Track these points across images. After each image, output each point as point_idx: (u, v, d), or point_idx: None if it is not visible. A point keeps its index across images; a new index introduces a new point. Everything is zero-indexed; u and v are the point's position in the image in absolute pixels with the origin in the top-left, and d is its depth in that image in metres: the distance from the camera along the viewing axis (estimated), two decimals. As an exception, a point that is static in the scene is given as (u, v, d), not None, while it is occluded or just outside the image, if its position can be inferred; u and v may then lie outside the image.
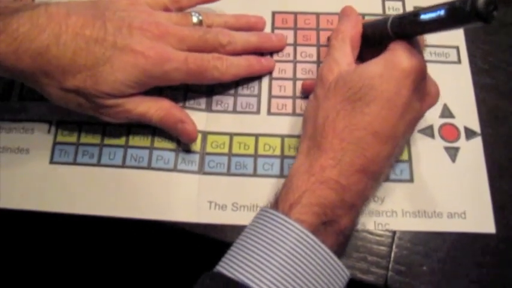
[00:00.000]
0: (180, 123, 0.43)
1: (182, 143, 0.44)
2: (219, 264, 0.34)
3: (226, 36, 0.45)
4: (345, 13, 0.45)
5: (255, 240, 0.34)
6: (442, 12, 0.34)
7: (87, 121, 0.45)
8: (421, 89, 0.38)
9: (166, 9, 0.45)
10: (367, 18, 0.48)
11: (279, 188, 0.38)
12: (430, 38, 0.48)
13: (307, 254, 0.33)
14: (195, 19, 0.45)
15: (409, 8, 0.51)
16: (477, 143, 0.44)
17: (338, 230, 0.36)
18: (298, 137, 0.45)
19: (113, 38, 0.39)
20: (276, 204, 0.36)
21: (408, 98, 0.37)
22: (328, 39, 0.47)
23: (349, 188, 0.36)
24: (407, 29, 0.38)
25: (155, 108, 0.43)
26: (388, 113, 0.36)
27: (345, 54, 0.41)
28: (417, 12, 0.36)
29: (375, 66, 0.37)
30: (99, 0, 0.43)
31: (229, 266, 0.33)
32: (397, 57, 0.37)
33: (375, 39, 0.42)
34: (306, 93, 0.46)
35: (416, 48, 0.38)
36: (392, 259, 0.41)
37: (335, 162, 0.36)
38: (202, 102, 0.46)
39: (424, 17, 0.35)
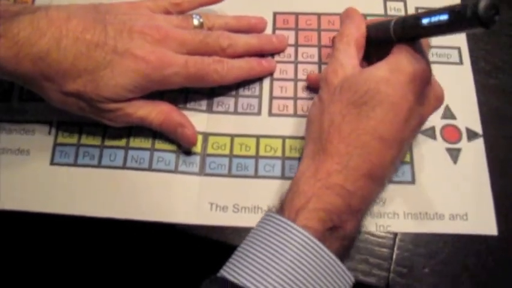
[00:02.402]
0: (180, 127, 0.43)
1: (183, 144, 0.44)
2: (223, 269, 0.34)
3: (227, 39, 0.44)
4: (348, 15, 0.44)
5: (259, 245, 0.34)
6: (442, 17, 0.33)
7: (88, 122, 0.44)
8: (426, 93, 0.38)
9: (167, 12, 0.45)
10: (368, 18, 0.47)
11: (284, 192, 0.38)
12: (432, 39, 0.48)
13: (312, 260, 0.33)
14: (195, 22, 0.45)
15: (411, 8, 0.51)
16: (479, 144, 0.44)
17: (343, 235, 0.36)
18: (299, 138, 0.44)
19: (114, 42, 0.39)
20: (282, 209, 0.36)
21: (413, 103, 0.37)
22: (332, 40, 0.47)
23: (355, 193, 0.36)
24: (409, 33, 0.37)
25: (155, 112, 0.43)
26: (394, 117, 0.36)
27: (350, 57, 0.40)
28: (419, 16, 0.36)
29: (379, 70, 0.37)
30: (100, 4, 0.43)
31: (233, 270, 0.33)
32: (401, 61, 0.37)
33: (378, 40, 0.41)
34: (311, 86, 0.46)
35: (420, 51, 0.38)
36: (393, 261, 0.40)
37: (341, 167, 0.36)
38: (203, 103, 0.46)
39: (426, 21, 0.35)
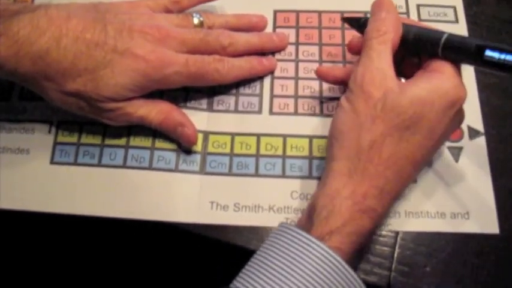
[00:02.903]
0: (180, 126, 0.43)
1: (183, 143, 0.44)
2: (237, 280, 0.34)
3: (228, 37, 0.44)
4: (384, 7, 0.40)
5: (278, 259, 0.33)
6: None
7: (88, 121, 0.44)
8: (458, 118, 0.38)
9: (167, 10, 0.45)
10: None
11: (311, 205, 0.37)
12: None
13: (335, 279, 0.32)
14: (196, 20, 0.45)
15: (412, 5, 0.51)
16: (480, 142, 0.44)
17: (364, 253, 0.37)
18: (300, 136, 0.44)
19: (114, 41, 0.39)
20: (311, 224, 0.35)
21: (447, 127, 0.37)
22: (344, 20, 0.46)
23: (383, 215, 0.37)
24: (462, 58, 0.37)
25: (155, 111, 0.43)
26: (429, 142, 0.36)
27: (387, 63, 0.38)
28: (482, 45, 0.35)
29: (425, 91, 0.36)
30: (99, 3, 0.42)
31: (247, 282, 0.33)
32: (447, 85, 0.36)
33: (414, 47, 0.40)
34: (321, 79, 0.46)
35: (461, 74, 0.37)
36: (395, 260, 0.40)
37: (377, 191, 0.35)
38: (204, 102, 0.46)
39: (490, 54, 0.34)
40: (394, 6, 0.40)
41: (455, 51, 0.37)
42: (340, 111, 0.38)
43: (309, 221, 0.36)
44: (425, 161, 0.38)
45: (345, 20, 0.46)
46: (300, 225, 0.37)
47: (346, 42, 0.46)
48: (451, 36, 0.37)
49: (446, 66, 0.37)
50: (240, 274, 0.34)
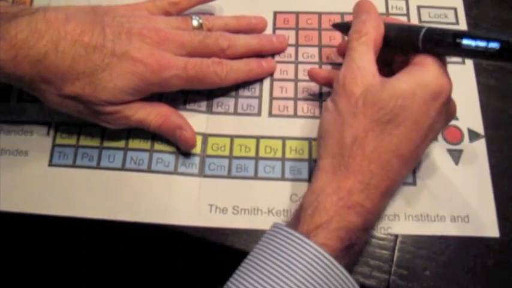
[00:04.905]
0: (179, 129, 0.43)
1: (182, 145, 0.44)
2: (230, 281, 0.34)
3: (227, 40, 0.44)
4: (364, 9, 0.41)
5: (269, 259, 0.33)
6: (492, 46, 0.32)
7: (87, 123, 0.44)
8: (446, 110, 0.38)
9: (166, 13, 0.45)
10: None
11: (300, 205, 0.37)
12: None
13: (324, 276, 0.32)
14: (195, 23, 0.45)
15: (413, 7, 0.50)
16: (481, 145, 0.44)
17: (357, 251, 0.36)
18: (300, 139, 0.44)
19: (112, 44, 0.39)
20: (298, 221, 0.36)
21: (434, 120, 0.36)
22: (333, 26, 0.47)
23: (372, 211, 0.36)
24: (442, 49, 0.36)
25: (154, 114, 0.42)
26: (415, 135, 0.36)
27: (368, 62, 0.38)
28: (458, 35, 0.35)
29: (405, 84, 0.36)
30: (98, 6, 0.42)
31: (240, 283, 0.33)
32: (429, 76, 0.36)
33: (397, 44, 0.40)
34: (317, 83, 0.46)
35: (445, 66, 0.37)
36: (394, 263, 0.40)
37: (363, 186, 0.35)
38: (203, 104, 0.46)
39: (467, 43, 0.34)
40: (375, 6, 0.41)
41: (435, 43, 0.37)
42: (325, 111, 0.39)
43: (296, 219, 0.36)
44: (414, 155, 0.37)
45: (334, 26, 0.47)
46: (289, 225, 0.37)
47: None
48: (430, 29, 0.37)
49: (428, 59, 0.37)
50: (234, 275, 0.34)
